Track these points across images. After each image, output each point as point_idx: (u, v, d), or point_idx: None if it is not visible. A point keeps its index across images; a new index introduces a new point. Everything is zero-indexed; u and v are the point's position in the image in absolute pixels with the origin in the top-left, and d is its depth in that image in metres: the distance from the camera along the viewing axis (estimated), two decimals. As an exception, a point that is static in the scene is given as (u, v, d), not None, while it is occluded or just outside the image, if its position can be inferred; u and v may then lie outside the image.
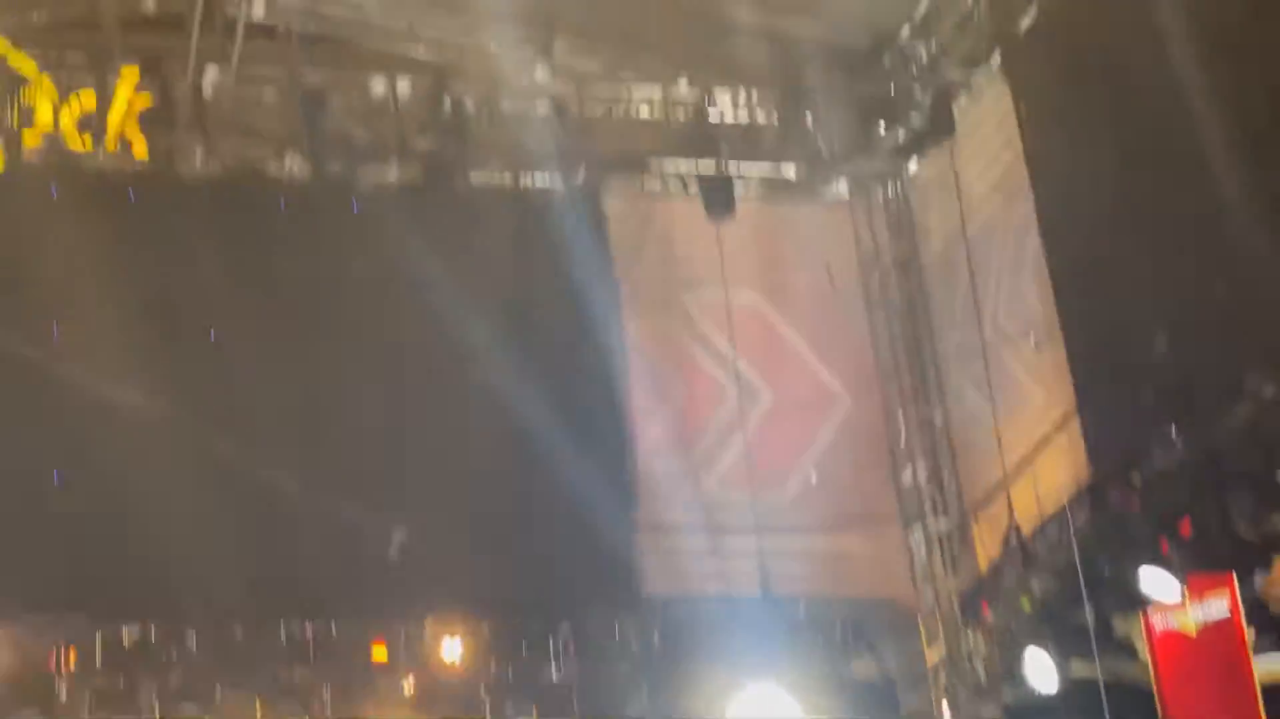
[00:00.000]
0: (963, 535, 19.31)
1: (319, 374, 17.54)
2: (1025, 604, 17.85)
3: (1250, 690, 18.35)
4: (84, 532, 16.67)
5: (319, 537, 17.06)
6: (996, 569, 18.21)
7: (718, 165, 19.45)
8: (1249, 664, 18.31)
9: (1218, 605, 18.07)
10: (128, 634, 17.79)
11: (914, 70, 19.26)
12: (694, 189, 19.49)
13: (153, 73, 17.85)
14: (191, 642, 17.86)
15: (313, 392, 17.48)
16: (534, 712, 18.12)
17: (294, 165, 18.29)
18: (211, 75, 17.99)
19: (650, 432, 18.73)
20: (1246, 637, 18.22)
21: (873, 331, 19.82)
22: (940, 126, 19.09)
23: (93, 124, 17.48)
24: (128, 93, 17.53)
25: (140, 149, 17.57)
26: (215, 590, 16.93)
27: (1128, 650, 17.58)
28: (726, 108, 19.80)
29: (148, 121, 17.69)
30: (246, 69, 18.02)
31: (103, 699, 17.78)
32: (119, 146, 17.56)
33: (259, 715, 17.77)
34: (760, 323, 19.29)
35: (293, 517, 17.04)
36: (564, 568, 18.00)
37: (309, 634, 18.19)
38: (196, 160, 18.03)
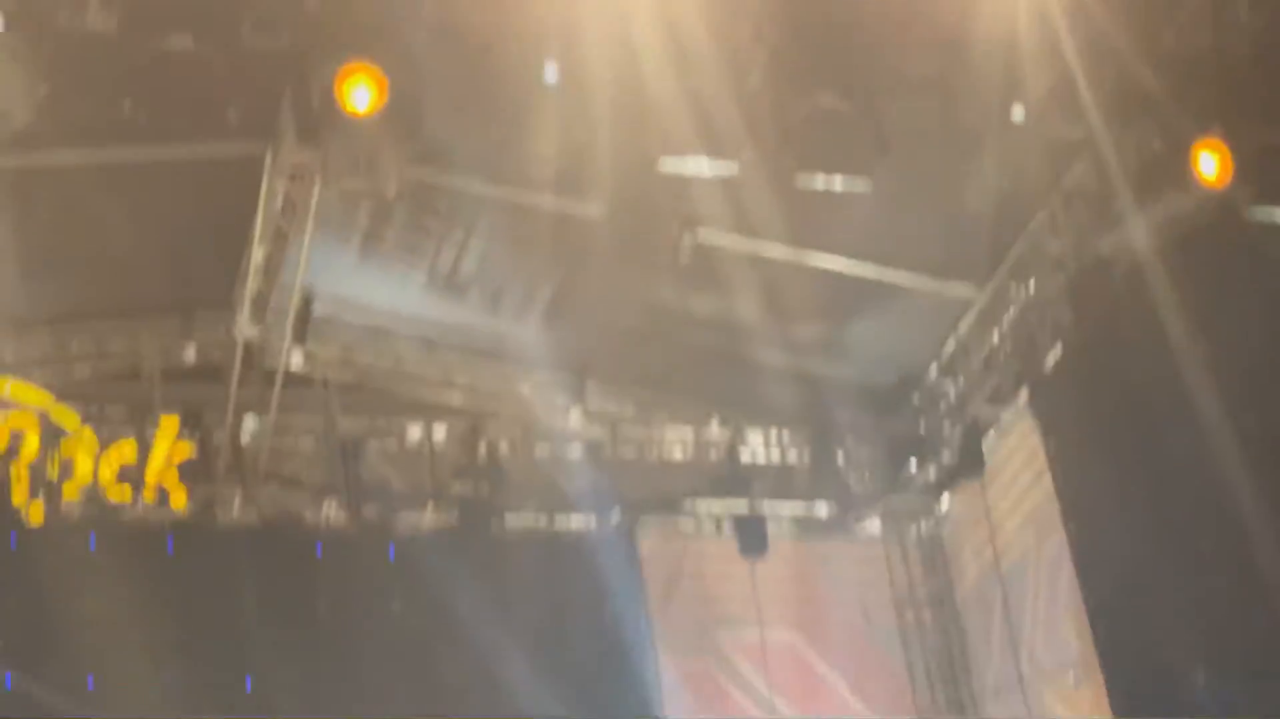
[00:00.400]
0: None
1: (356, 716, 17.47)
2: None
3: None
4: None
5: None
6: None
7: (750, 504, 19.61)
8: None
9: None
10: None
11: (943, 408, 19.51)
12: (727, 528, 19.60)
13: (192, 423, 18.17)
14: None
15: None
16: None
17: (331, 512, 18.47)
18: (250, 424, 18.30)
19: (689, 780, 18.60)
20: None
21: (909, 668, 19.73)
22: (970, 463, 19.26)
23: (132, 475, 17.74)
24: (167, 443, 17.82)
25: (179, 499, 17.79)
26: None
27: None
28: (758, 447, 20.05)
29: (186, 471, 17.94)
30: (284, 418, 18.33)
31: None
32: (157, 496, 17.79)
33: None
34: (796, 660, 19.24)
35: None
36: None
37: None
38: (234, 509, 18.24)
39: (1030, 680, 18.33)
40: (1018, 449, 18.90)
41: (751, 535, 19.41)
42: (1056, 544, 17.96)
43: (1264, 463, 15.03)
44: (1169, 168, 15.52)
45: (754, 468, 19.93)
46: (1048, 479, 18.05)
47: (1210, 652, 16.03)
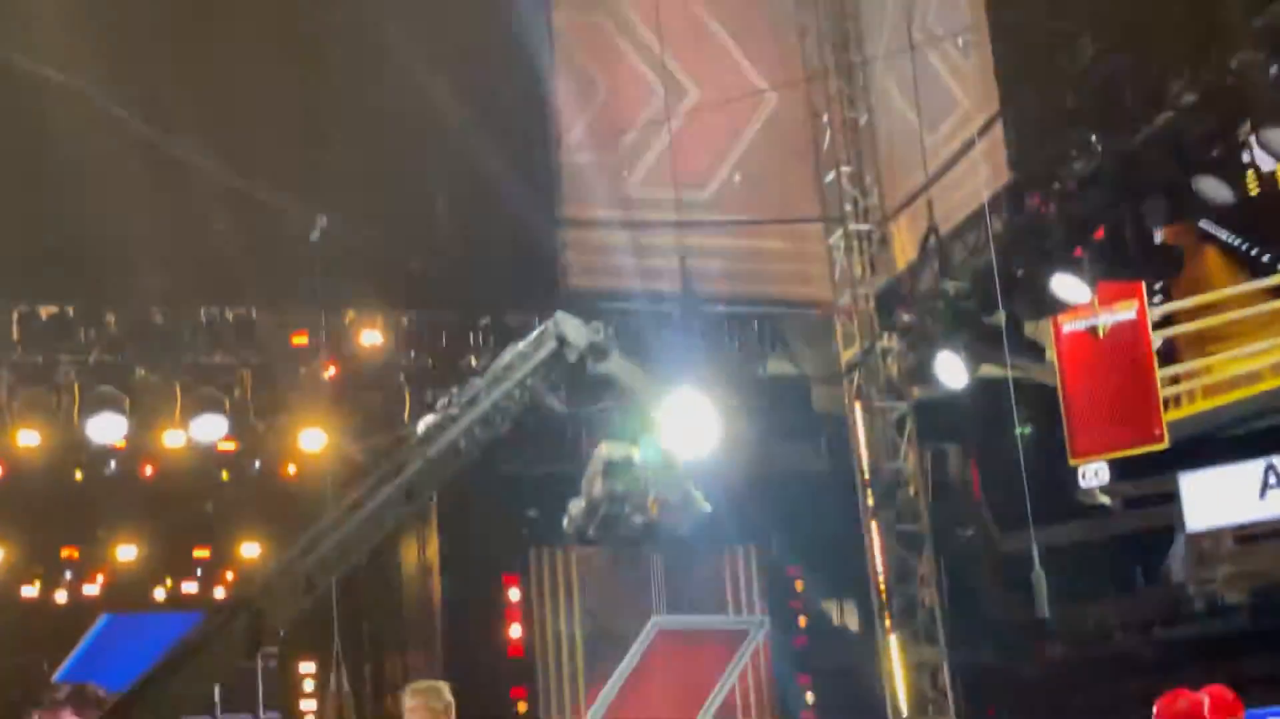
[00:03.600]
0: (882, 237, 19.39)
1: (236, 60, 17.34)
2: (940, 306, 17.95)
3: (1151, 387, 18.66)
4: (-1, 210, 16.58)
5: (238, 221, 17.02)
6: (913, 271, 18.31)
7: None
8: (1151, 362, 18.64)
9: (1126, 310, 18.35)
10: (45, 312, 17.79)
11: None
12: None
13: None
14: (110, 322, 17.86)
15: (229, 77, 17.29)
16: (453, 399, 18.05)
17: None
18: None
19: (574, 127, 18.71)
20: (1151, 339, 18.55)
21: (800, 31, 19.68)
22: None
23: None
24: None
25: None
26: (134, 272, 16.94)
27: (1036, 352, 17.78)
28: None
29: None
30: None
31: (19, 374, 17.80)
32: None
33: (178, 397, 17.81)
34: (689, 18, 19.10)
35: (212, 200, 16.96)
36: (484, 262, 18.04)
37: (229, 319, 18.21)
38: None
39: (920, 47, 18.41)
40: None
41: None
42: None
43: None
44: None
45: None
46: None
47: (1098, 24, 16.26)
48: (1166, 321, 20.00)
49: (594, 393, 8.43)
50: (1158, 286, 19.62)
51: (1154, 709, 9.11)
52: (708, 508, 8.23)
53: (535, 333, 8.18)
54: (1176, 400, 19.61)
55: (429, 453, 7.73)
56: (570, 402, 8.37)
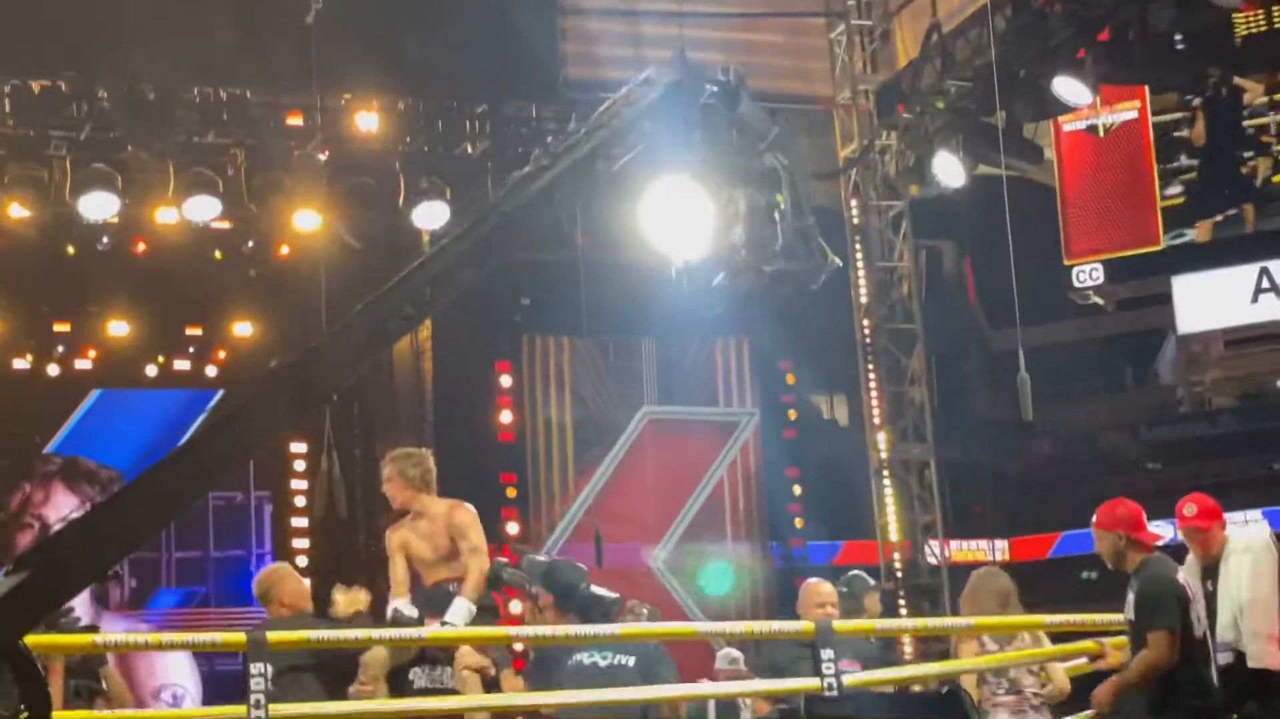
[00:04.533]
0: (884, 34, 19.21)
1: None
2: (939, 104, 17.84)
3: (1149, 188, 18.68)
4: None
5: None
6: (914, 69, 18.13)
7: None
8: (1151, 164, 18.63)
9: (1127, 110, 18.28)
10: (36, 85, 17.61)
11: None
12: None
13: None
14: (102, 98, 17.68)
15: None
16: (446, 188, 18.07)
17: None
18: None
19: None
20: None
21: None
22: None
23: None
24: None
25: None
26: (127, 49, 16.74)
27: (1035, 152, 17.70)
28: None
29: None
30: None
31: (10, 148, 17.68)
32: None
33: (171, 175, 17.71)
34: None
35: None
36: (483, 49, 17.85)
37: (222, 98, 18.04)
38: None
39: None
40: None
41: None
42: None
43: None
44: None
45: None
46: None
47: None
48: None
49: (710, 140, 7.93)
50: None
51: (1094, 515, 9.22)
52: (838, 262, 7.96)
53: (640, 76, 7.69)
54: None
55: (507, 207, 7.29)
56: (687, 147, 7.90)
